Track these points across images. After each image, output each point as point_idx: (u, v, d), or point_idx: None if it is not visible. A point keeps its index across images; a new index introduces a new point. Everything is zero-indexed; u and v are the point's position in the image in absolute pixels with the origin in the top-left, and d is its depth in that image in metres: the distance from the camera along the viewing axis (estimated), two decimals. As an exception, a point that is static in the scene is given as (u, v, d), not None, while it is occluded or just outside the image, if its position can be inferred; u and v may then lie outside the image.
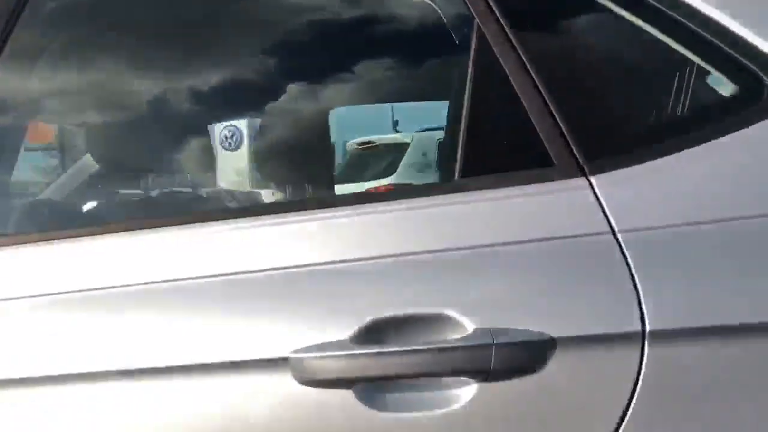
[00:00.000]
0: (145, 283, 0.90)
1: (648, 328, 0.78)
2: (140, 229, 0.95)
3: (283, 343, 0.84)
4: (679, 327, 0.78)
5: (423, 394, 0.82)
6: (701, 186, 0.84)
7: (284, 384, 0.84)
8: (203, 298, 0.89)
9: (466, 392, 0.81)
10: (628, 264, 0.81)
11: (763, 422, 0.78)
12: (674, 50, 0.91)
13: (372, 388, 0.83)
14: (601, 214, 0.84)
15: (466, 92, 0.96)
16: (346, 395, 0.83)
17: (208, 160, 1.37)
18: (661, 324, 0.78)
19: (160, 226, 0.95)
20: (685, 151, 0.86)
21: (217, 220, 0.95)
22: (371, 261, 0.87)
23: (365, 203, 0.92)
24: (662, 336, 0.78)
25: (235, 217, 0.95)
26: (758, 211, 0.81)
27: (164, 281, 0.90)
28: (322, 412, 0.84)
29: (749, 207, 0.82)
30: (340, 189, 1.62)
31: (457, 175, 0.94)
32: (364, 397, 0.83)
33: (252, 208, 1.04)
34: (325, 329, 0.84)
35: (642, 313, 0.79)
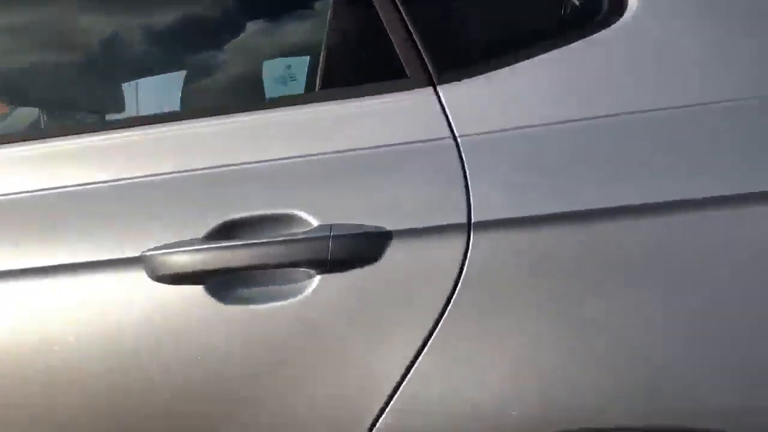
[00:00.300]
0: (30, 191, 0.94)
1: (473, 219, 0.83)
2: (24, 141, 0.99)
3: (139, 244, 0.88)
4: (500, 218, 0.84)
5: (270, 288, 0.87)
6: (535, 93, 0.89)
7: (138, 281, 0.88)
8: (72, 204, 0.92)
9: (309, 284, 0.86)
10: (463, 164, 0.86)
11: (582, 307, 0.84)
12: None
13: (223, 283, 0.87)
14: (445, 121, 0.89)
15: (330, 9, 1.00)
16: (198, 290, 0.87)
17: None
18: (484, 215, 0.83)
19: (40, 138, 0.99)
20: (526, 61, 0.90)
21: (85, 132, 0.98)
22: (227, 168, 0.91)
23: (226, 114, 0.96)
24: (485, 226, 0.83)
25: (102, 131, 0.98)
26: (584, 115, 0.87)
27: (42, 189, 0.94)
28: (175, 307, 0.88)
29: (577, 112, 0.87)
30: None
31: (318, 86, 0.98)
32: (215, 292, 0.87)
33: (124, 121, 1.07)
34: (179, 231, 0.88)
35: (469, 206, 0.84)
